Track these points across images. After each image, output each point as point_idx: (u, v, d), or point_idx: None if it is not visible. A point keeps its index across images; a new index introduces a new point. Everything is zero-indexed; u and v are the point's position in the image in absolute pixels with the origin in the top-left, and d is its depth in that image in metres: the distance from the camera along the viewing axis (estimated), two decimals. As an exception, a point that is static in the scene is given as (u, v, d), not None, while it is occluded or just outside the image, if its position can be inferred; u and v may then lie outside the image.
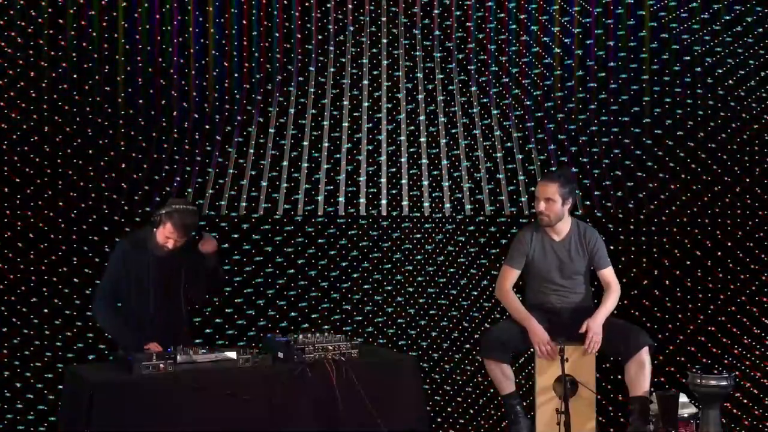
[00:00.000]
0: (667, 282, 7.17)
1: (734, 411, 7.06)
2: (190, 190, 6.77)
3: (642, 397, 5.80)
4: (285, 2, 6.93)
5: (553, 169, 7.08)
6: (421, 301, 7.15)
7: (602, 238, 6.13)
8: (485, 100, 7.17)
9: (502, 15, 7.16)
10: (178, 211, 5.57)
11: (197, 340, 6.38)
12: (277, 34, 6.91)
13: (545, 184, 5.97)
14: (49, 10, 6.56)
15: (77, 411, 5.10)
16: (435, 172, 7.14)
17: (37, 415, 6.58)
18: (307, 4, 6.96)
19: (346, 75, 7.04)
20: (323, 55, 7.00)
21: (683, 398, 5.84)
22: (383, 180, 7.08)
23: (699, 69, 7.17)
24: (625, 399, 6.83)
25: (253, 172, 6.90)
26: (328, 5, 7.00)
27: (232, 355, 5.34)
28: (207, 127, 6.83)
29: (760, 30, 7.21)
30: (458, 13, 7.13)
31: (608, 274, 6.07)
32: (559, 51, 7.16)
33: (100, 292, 5.72)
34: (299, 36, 6.95)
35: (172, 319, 5.70)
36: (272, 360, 5.45)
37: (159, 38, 6.72)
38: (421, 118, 7.12)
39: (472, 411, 7.16)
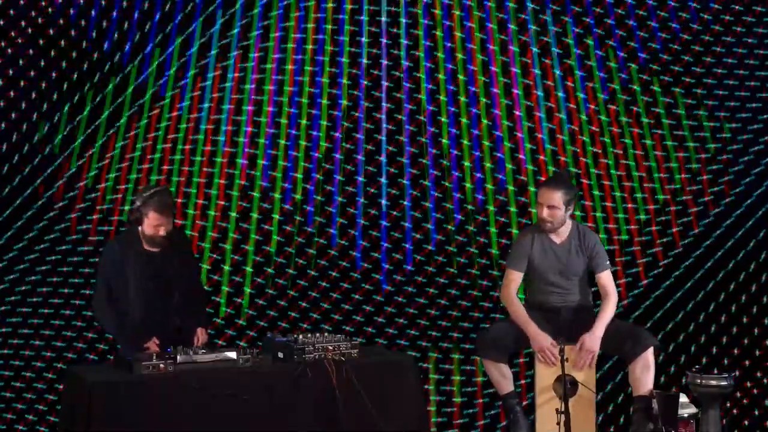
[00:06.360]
0: (666, 281, 7.17)
1: (734, 411, 7.07)
2: (192, 190, 6.77)
3: (646, 397, 5.81)
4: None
5: (555, 169, 7.07)
6: (421, 301, 7.15)
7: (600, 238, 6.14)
8: (486, 101, 7.17)
9: (503, 15, 7.17)
10: (154, 196, 5.54)
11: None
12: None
13: (549, 191, 5.89)
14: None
15: (77, 411, 5.11)
16: (436, 172, 7.14)
17: (37, 415, 6.58)
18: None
19: (344, 74, 7.05)
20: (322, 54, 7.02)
21: (683, 398, 5.85)
22: (383, 180, 7.09)
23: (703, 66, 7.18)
24: (626, 399, 6.85)
25: (253, 172, 6.90)
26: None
27: (232, 355, 5.34)
28: (208, 127, 6.84)
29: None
30: (460, 13, 7.14)
31: (606, 278, 6.03)
32: (559, 51, 7.17)
33: (96, 292, 5.72)
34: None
35: (165, 317, 5.70)
36: (272, 360, 5.45)
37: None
38: (422, 118, 7.12)
39: (472, 411, 7.16)
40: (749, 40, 7.17)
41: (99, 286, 5.71)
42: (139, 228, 5.59)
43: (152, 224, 5.55)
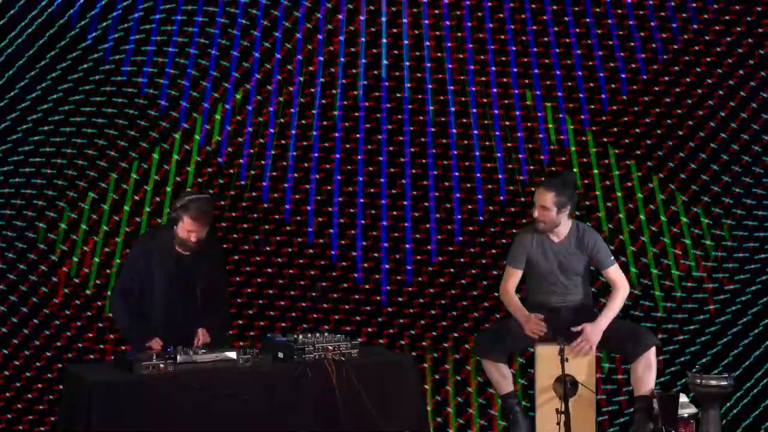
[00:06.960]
0: (666, 281, 7.18)
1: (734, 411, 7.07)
2: (190, 190, 6.78)
3: (648, 397, 5.84)
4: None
5: (554, 169, 7.07)
6: (421, 301, 7.15)
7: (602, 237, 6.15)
8: (485, 100, 7.17)
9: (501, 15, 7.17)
10: (193, 202, 5.52)
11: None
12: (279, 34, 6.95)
13: (541, 191, 5.95)
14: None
15: (77, 411, 5.12)
16: (435, 172, 7.14)
17: (37, 415, 6.58)
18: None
19: (343, 73, 7.05)
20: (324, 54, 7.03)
21: (683, 398, 5.86)
22: (383, 180, 7.09)
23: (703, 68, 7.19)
24: (626, 399, 6.86)
25: (254, 172, 6.91)
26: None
27: (232, 355, 5.35)
28: (207, 127, 6.85)
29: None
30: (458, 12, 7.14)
31: (613, 272, 6.05)
32: (559, 51, 7.17)
33: (116, 288, 5.71)
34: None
35: (185, 319, 5.68)
36: (272, 360, 5.46)
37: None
38: (422, 118, 7.12)
39: (472, 411, 7.16)
40: None
41: (119, 282, 5.70)
42: (175, 228, 5.58)
43: (186, 228, 5.54)
